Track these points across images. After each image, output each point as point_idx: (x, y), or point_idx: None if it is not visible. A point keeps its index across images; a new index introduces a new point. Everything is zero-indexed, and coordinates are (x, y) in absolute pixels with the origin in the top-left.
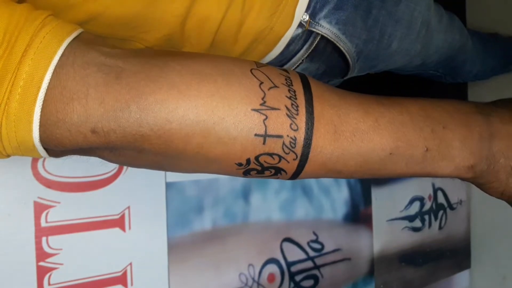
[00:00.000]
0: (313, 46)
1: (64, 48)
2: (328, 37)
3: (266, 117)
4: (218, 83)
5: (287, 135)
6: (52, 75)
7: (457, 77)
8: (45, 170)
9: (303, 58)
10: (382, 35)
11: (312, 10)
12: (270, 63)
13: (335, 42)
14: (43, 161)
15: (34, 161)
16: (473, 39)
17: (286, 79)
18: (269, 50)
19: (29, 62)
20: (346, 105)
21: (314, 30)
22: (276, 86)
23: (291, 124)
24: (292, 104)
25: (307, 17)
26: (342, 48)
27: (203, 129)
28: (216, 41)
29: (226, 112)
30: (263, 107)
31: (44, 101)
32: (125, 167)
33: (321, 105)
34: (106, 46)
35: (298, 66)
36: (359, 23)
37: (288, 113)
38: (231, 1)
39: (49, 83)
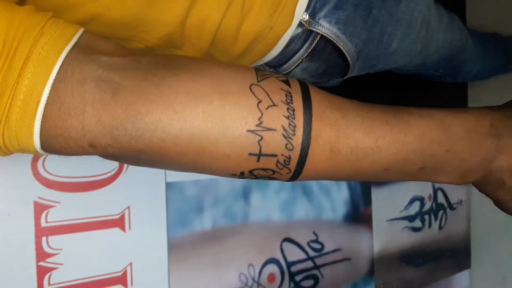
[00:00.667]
0: (313, 45)
1: (62, 60)
2: (328, 36)
3: (261, 138)
4: (214, 104)
5: (282, 154)
6: (50, 90)
7: (457, 77)
8: (45, 170)
9: (303, 58)
10: (382, 35)
11: (312, 10)
12: (270, 62)
13: (335, 41)
14: (43, 161)
15: (34, 161)
16: (473, 39)
17: (286, 96)
18: (269, 49)
19: (28, 76)
20: (347, 124)
21: (314, 29)
22: (274, 105)
23: (286, 144)
24: (289, 124)
25: (307, 17)
26: (342, 48)
27: (197, 147)
28: (216, 40)
29: (221, 134)
30: (259, 128)
31: (43, 115)
32: (125, 167)
33: (320, 125)
34: (105, 51)
35: (298, 65)
36: (359, 23)
37: (285, 133)
38: (231, 0)
39: (48, 98)
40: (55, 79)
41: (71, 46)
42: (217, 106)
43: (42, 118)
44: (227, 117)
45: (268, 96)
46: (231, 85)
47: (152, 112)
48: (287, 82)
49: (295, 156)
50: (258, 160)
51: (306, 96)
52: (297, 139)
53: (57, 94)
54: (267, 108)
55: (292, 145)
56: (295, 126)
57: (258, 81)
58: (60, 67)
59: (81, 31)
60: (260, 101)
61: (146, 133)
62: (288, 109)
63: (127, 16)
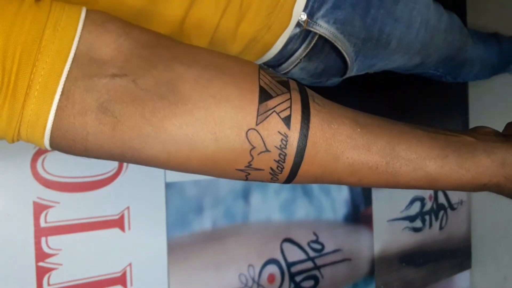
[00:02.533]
0: (311, 45)
1: (62, 87)
2: (326, 36)
3: (249, 174)
4: (208, 151)
5: (269, 179)
6: (54, 118)
7: (457, 77)
8: (45, 170)
9: (301, 57)
10: (380, 34)
11: (310, 10)
12: (269, 62)
13: (333, 41)
14: (42, 161)
15: (34, 161)
16: (473, 39)
17: (282, 140)
18: (267, 49)
19: (32, 107)
20: (339, 167)
21: (312, 29)
22: (267, 151)
23: (272, 178)
24: (277, 167)
25: (305, 17)
26: (340, 48)
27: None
28: (215, 39)
29: (210, 171)
30: (248, 168)
31: (51, 137)
32: (124, 168)
33: (309, 166)
34: (105, 61)
35: (296, 65)
36: (358, 22)
37: (271, 172)
38: (229, 0)
39: (52, 127)
40: (57, 108)
41: (69, 64)
42: (210, 152)
43: (50, 140)
44: (219, 161)
45: (263, 141)
46: (228, 131)
47: (148, 150)
48: (287, 119)
49: (282, 179)
50: (246, 180)
51: (302, 140)
52: (283, 175)
53: (61, 123)
54: (259, 154)
55: (277, 178)
56: (283, 168)
57: (256, 124)
58: (62, 94)
59: (79, 32)
60: (253, 147)
61: (143, 161)
62: (280, 154)
63: (126, 16)
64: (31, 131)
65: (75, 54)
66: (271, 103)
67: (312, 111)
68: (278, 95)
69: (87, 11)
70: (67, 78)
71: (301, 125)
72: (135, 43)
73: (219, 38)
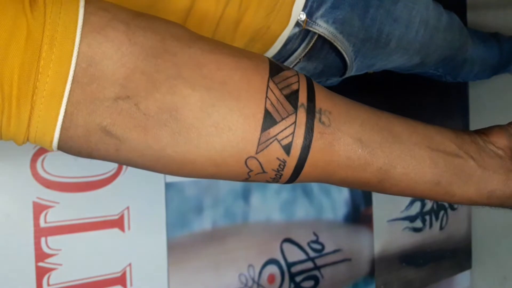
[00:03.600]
0: (310, 45)
1: (64, 109)
2: (325, 36)
3: (248, 177)
4: (208, 172)
5: (269, 179)
6: (59, 137)
7: (457, 77)
8: (44, 170)
9: (300, 57)
10: (380, 34)
11: (309, 9)
12: None
13: (332, 41)
14: (42, 161)
15: (33, 161)
16: (473, 39)
17: (280, 165)
18: (266, 48)
19: (38, 126)
20: (332, 180)
21: (311, 29)
22: (265, 172)
23: (267, 181)
24: (273, 179)
25: (304, 16)
26: (339, 48)
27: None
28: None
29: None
30: (244, 180)
31: (58, 148)
32: (124, 168)
33: (304, 178)
34: (108, 79)
35: (295, 65)
36: (357, 22)
37: (267, 181)
38: (228, 0)
39: (58, 143)
40: (61, 128)
41: (69, 86)
42: (210, 173)
43: (58, 148)
44: (219, 177)
45: (261, 166)
46: (228, 158)
47: (151, 167)
48: (288, 146)
49: (284, 179)
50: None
51: (299, 163)
52: (282, 180)
53: (65, 140)
54: (256, 174)
55: (278, 181)
56: (278, 180)
57: (256, 153)
58: (64, 116)
59: (77, 47)
60: (251, 171)
61: (146, 169)
62: (276, 174)
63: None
64: (39, 141)
65: (74, 72)
66: (274, 130)
67: (315, 134)
68: (283, 119)
69: (85, 14)
70: (68, 101)
71: (301, 151)
72: (139, 51)
73: (218, 38)
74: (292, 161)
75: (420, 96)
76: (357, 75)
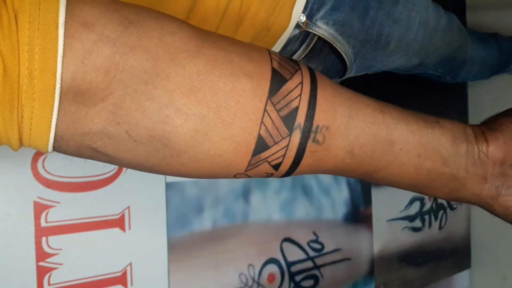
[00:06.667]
0: (310, 47)
1: (53, 137)
2: (325, 38)
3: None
4: (201, 176)
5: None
6: (53, 146)
7: (457, 77)
8: (45, 170)
9: (300, 59)
10: (379, 36)
11: (309, 11)
12: None
13: (332, 43)
14: (43, 161)
15: (34, 161)
16: (472, 39)
17: (267, 175)
18: None
19: (29, 134)
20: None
21: (311, 31)
22: (251, 177)
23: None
24: (267, 174)
25: (304, 18)
26: (339, 49)
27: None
28: None
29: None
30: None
31: (53, 150)
32: (124, 168)
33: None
34: (95, 97)
35: None
36: (356, 24)
37: (267, 174)
38: (229, 2)
39: (53, 148)
40: (54, 142)
41: (57, 109)
42: (202, 176)
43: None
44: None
45: (249, 177)
46: (218, 171)
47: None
48: (278, 165)
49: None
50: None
51: (293, 166)
52: (277, 175)
53: (59, 149)
54: (243, 177)
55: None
56: (272, 174)
57: (245, 171)
58: (54, 140)
59: (60, 68)
60: (249, 170)
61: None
62: (266, 173)
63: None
64: (34, 145)
65: (59, 104)
66: (265, 154)
67: (306, 153)
68: (276, 143)
69: (66, 38)
70: (56, 127)
71: (289, 168)
72: (128, 78)
73: None
74: (279, 174)
75: (420, 96)
76: (357, 76)
